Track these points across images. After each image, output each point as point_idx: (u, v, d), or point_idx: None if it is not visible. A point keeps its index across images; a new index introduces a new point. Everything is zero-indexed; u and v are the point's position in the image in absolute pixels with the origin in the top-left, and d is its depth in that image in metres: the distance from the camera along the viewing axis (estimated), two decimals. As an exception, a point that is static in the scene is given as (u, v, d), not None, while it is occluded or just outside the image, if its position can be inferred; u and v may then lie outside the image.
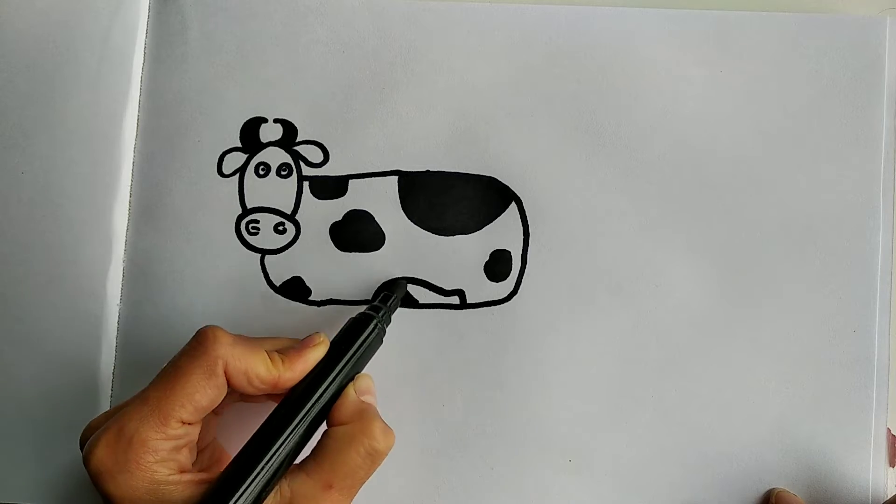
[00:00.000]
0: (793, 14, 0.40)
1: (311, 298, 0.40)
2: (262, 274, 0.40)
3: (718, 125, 0.40)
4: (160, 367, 0.38)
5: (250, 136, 0.41)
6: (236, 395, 0.34)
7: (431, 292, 0.40)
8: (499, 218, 0.40)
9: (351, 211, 0.40)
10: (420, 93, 0.40)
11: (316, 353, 0.34)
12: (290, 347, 0.35)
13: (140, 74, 0.41)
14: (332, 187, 0.40)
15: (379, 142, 0.40)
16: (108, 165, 0.41)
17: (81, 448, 0.33)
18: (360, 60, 0.41)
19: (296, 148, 0.40)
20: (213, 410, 0.33)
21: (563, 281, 0.39)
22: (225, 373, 0.32)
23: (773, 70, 0.40)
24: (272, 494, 0.31)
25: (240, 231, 0.40)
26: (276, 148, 0.40)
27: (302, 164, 0.40)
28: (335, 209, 0.40)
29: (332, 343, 0.35)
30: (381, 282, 0.40)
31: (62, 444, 0.40)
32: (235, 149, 0.40)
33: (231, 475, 0.31)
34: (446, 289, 0.40)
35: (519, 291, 0.39)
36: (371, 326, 0.36)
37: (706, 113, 0.40)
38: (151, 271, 0.40)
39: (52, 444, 0.40)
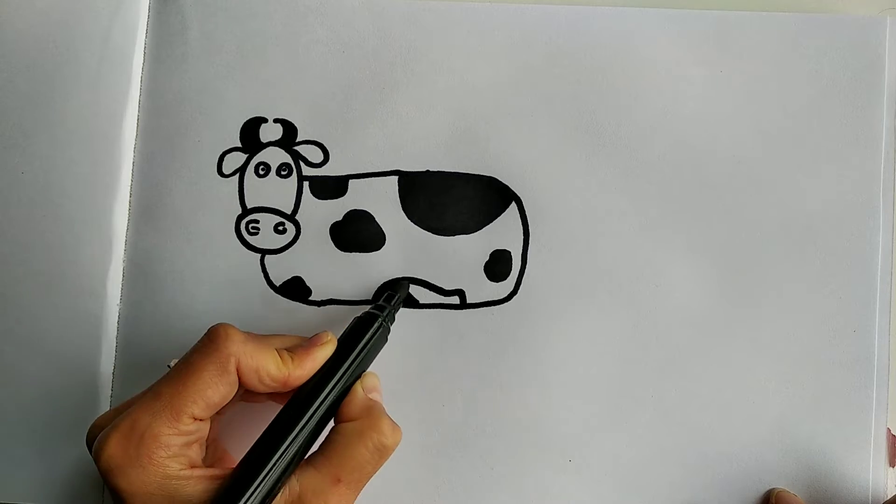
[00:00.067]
0: (793, 14, 0.40)
1: (311, 298, 0.40)
2: (262, 274, 0.40)
3: (718, 125, 0.40)
4: (160, 367, 0.39)
5: (250, 136, 0.41)
6: (239, 394, 0.34)
7: (431, 292, 0.40)
8: (499, 218, 0.40)
9: (351, 211, 0.40)
10: (420, 93, 0.40)
11: (324, 352, 0.35)
12: (298, 345, 0.35)
13: (140, 74, 0.41)
14: (332, 187, 0.40)
15: (379, 142, 0.40)
16: (108, 165, 0.41)
17: (88, 445, 0.33)
18: (360, 60, 0.41)
19: (296, 148, 0.40)
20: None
21: (563, 281, 0.39)
22: (237, 370, 0.32)
23: (773, 70, 0.40)
24: (282, 490, 0.32)
25: (240, 231, 0.40)
26: (276, 148, 0.40)
27: (302, 164, 0.40)
28: (335, 209, 0.40)
29: (339, 342, 0.35)
30: (382, 282, 0.40)
31: (62, 444, 0.40)
32: (235, 149, 0.40)
33: (243, 471, 0.31)
34: (446, 289, 0.40)
35: (519, 291, 0.39)
36: (376, 325, 0.36)
37: (706, 113, 0.40)
38: (151, 271, 0.40)
39: (52, 444, 0.40)
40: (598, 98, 0.40)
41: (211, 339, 0.33)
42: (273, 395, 0.36)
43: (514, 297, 0.39)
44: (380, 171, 0.40)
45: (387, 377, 0.37)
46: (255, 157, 0.40)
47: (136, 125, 0.41)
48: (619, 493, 0.39)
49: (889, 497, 0.38)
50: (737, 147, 0.40)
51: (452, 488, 0.39)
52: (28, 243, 0.40)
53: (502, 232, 0.40)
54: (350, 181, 0.40)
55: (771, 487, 0.38)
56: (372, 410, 0.34)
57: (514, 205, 0.40)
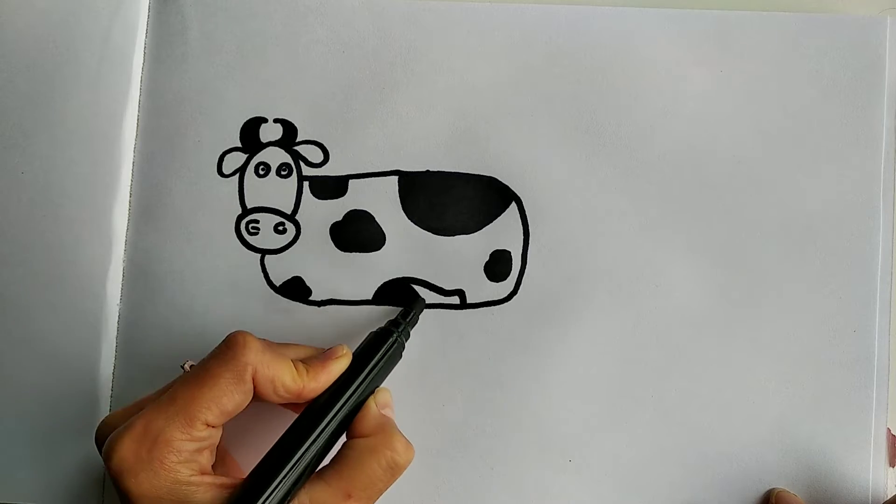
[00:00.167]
0: (793, 14, 0.40)
1: (311, 298, 0.40)
2: (262, 274, 0.40)
3: (718, 125, 0.40)
4: (160, 367, 0.39)
5: (250, 136, 0.41)
6: (252, 402, 0.34)
7: (431, 292, 0.40)
8: (499, 218, 0.40)
9: (351, 211, 0.40)
10: (420, 93, 0.40)
11: (339, 365, 0.35)
12: (313, 357, 0.35)
13: (140, 74, 0.41)
14: (332, 187, 0.40)
15: (379, 142, 0.40)
16: (108, 165, 0.41)
17: (97, 444, 0.33)
18: (360, 60, 0.41)
19: (296, 148, 0.40)
20: None
21: (563, 281, 0.39)
22: (252, 379, 0.32)
23: (773, 70, 0.40)
24: (292, 503, 0.31)
25: (240, 231, 0.40)
26: (276, 148, 0.40)
27: (302, 164, 0.40)
28: (335, 209, 0.40)
29: (354, 356, 0.35)
30: (382, 282, 0.40)
31: (62, 444, 0.40)
32: (235, 149, 0.40)
33: (253, 481, 0.31)
34: (446, 289, 0.40)
35: (519, 291, 0.39)
36: (391, 340, 0.36)
37: (706, 113, 0.40)
38: (151, 271, 0.40)
39: (51, 444, 0.40)
40: (598, 98, 0.40)
41: (229, 347, 0.33)
42: (285, 404, 0.35)
43: (514, 297, 0.39)
44: (380, 171, 0.40)
45: (387, 377, 0.37)
46: (255, 157, 0.40)
47: (136, 125, 0.41)
48: (619, 493, 0.39)
49: (889, 497, 0.38)
50: (737, 147, 0.40)
51: (452, 488, 0.39)
52: (28, 243, 0.40)
53: (502, 232, 0.40)
54: (350, 181, 0.40)
55: (771, 487, 0.38)
56: (385, 427, 0.34)
57: (514, 205, 0.40)
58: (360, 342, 0.36)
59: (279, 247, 0.40)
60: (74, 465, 0.40)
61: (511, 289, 0.40)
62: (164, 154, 0.41)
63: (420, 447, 0.38)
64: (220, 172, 0.40)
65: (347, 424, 0.34)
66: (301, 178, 0.40)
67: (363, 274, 0.40)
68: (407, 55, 0.40)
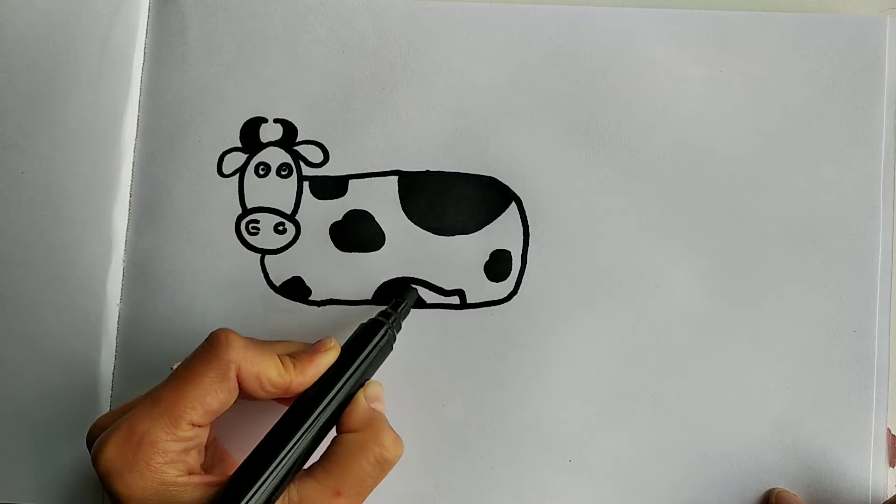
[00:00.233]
0: (793, 14, 0.40)
1: (311, 298, 0.40)
2: (262, 274, 0.40)
3: (718, 125, 0.40)
4: (160, 367, 0.39)
5: (250, 136, 0.41)
6: (239, 398, 0.34)
7: (431, 292, 0.40)
8: (499, 218, 0.40)
9: (351, 211, 0.40)
10: (420, 93, 0.40)
11: (327, 359, 0.34)
12: (301, 352, 0.35)
13: (140, 74, 0.41)
14: (332, 187, 0.40)
15: (379, 142, 0.40)
16: (108, 165, 0.41)
17: (88, 446, 0.33)
18: (360, 60, 0.41)
19: (296, 148, 0.40)
20: None
21: (563, 281, 0.39)
22: (237, 376, 0.32)
23: (773, 70, 0.40)
24: (280, 499, 0.31)
25: (240, 231, 0.40)
26: (276, 148, 0.40)
27: (302, 164, 0.40)
28: (335, 209, 0.40)
29: (343, 348, 0.35)
30: (382, 282, 0.40)
31: (62, 444, 0.40)
32: (235, 149, 0.40)
33: (240, 479, 0.31)
34: (446, 289, 0.40)
35: (519, 291, 0.39)
36: (381, 332, 0.36)
37: (706, 113, 0.40)
38: (151, 271, 0.40)
39: (51, 444, 0.40)
40: (598, 98, 0.40)
41: (211, 345, 0.33)
42: (280, 399, 0.35)
43: (514, 297, 0.39)
44: (380, 171, 0.40)
45: (387, 377, 0.37)
46: (255, 157, 0.40)
47: (136, 125, 0.41)
48: (619, 493, 0.39)
49: (889, 497, 0.38)
50: (737, 147, 0.40)
51: (452, 488, 0.39)
52: (28, 243, 0.40)
53: (502, 232, 0.40)
54: (350, 181, 0.40)
55: (771, 487, 0.38)
56: (374, 422, 0.34)
57: (514, 205, 0.40)
58: (350, 328, 0.36)
59: (279, 247, 0.40)
60: (74, 465, 0.40)
61: (511, 289, 0.40)
62: (164, 154, 0.41)
63: (420, 447, 0.38)
64: (220, 172, 0.40)
65: (337, 419, 0.34)
66: (301, 178, 0.40)
67: (363, 274, 0.40)
68: (407, 55, 0.40)
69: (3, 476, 0.40)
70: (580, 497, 0.39)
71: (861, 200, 0.39)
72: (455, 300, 0.40)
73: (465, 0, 0.41)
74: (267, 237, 0.40)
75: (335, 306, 0.40)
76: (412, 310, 0.39)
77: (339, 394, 0.34)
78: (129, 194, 0.41)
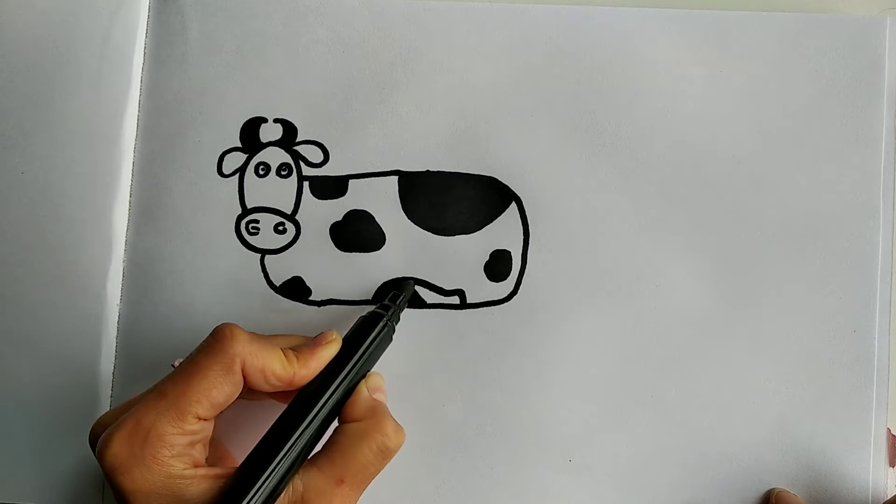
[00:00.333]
0: (793, 14, 0.40)
1: (311, 298, 0.40)
2: (262, 274, 0.40)
3: (718, 125, 0.40)
4: (160, 366, 0.39)
5: (250, 136, 0.41)
6: (242, 393, 0.34)
7: (431, 292, 0.40)
8: (499, 218, 0.40)
9: (351, 211, 0.40)
10: (420, 93, 0.40)
11: (329, 351, 0.35)
12: (303, 345, 0.35)
13: (140, 74, 0.41)
14: (332, 187, 0.40)
15: (379, 142, 0.40)
16: (108, 165, 0.41)
17: (91, 444, 0.33)
18: (360, 60, 0.41)
19: (296, 148, 0.40)
20: None
21: (563, 281, 0.39)
22: (242, 370, 0.32)
23: (773, 70, 0.40)
24: (285, 489, 0.32)
25: (240, 231, 0.40)
26: (276, 148, 0.40)
27: (302, 164, 0.40)
28: (335, 209, 0.40)
29: (343, 341, 0.35)
30: (382, 282, 0.40)
31: (62, 444, 0.40)
32: (235, 149, 0.40)
33: (247, 470, 0.31)
34: (446, 289, 0.40)
35: (519, 291, 0.39)
36: (381, 324, 0.36)
37: (706, 113, 0.40)
38: (151, 271, 0.40)
39: (52, 444, 0.40)
40: (598, 98, 0.40)
41: (216, 339, 0.33)
42: (275, 395, 0.35)
43: (514, 297, 0.39)
44: (380, 171, 0.40)
45: (387, 377, 0.37)
46: (255, 157, 0.40)
47: (136, 125, 0.41)
48: (619, 493, 0.39)
49: (889, 497, 0.38)
50: (737, 147, 0.40)
51: (452, 488, 0.39)
52: (28, 243, 0.40)
53: (502, 232, 0.40)
54: (350, 181, 0.40)
55: (771, 487, 0.38)
56: (376, 411, 0.34)
57: (514, 205, 0.40)
58: (350, 326, 0.36)
59: (279, 247, 0.40)
60: (74, 464, 0.40)
61: (511, 289, 0.40)
62: (164, 154, 0.41)
63: (420, 447, 0.38)
64: (220, 172, 0.40)
65: (339, 410, 0.34)
66: (301, 178, 0.40)
67: (363, 274, 0.40)
68: (407, 55, 0.40)
69: (4, 476, 0.40)
70: (580, 497, 0.39)
71: (861, 200, 0.39)
72: (455, 300, 0.40)
73: (465, 0, 0.41)
74: (267, 237, 0.40)
75: (335, 306, 0.40)
76: (413, 310, 0.39)
77: (342, 385, 0.34)
78: (129, 194, 0.41)
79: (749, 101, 0.40)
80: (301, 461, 0.32)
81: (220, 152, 0.40)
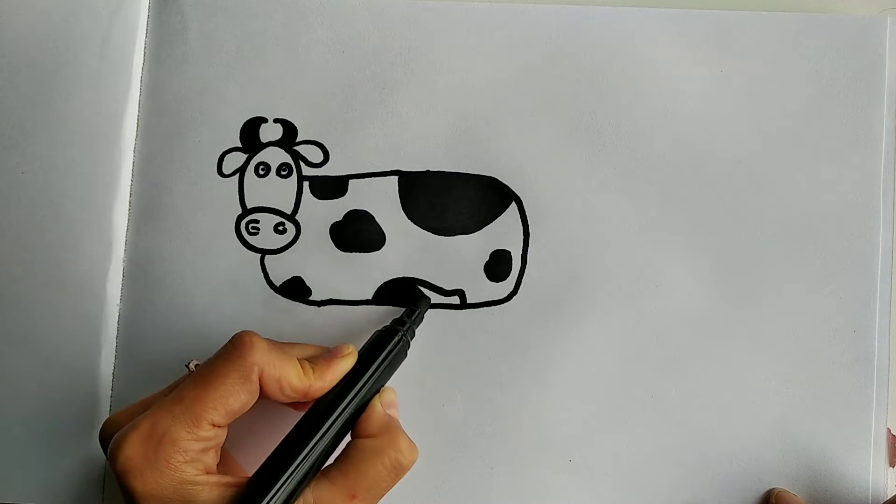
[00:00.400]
0: (793, 14, 0.40)
1: (311, 298, 0.40)
2: (262, 274, 0.40)
3: (718, 125, 0.40)
4: (160, 367, 0.39)
5: (250, 136, 0.41)
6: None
7: (431, 292, 0.40)
8: (499, 218, 0.40)
9: (351, 211, 0.40)
10: (420, 93, 0.40)
11: (345, 364, 0.35)
12: (319, 356, 0.35)
13: (140, 74, 0.41)
14: (332, 187, 0.40)
15: (379, 142, 0.40)
16: (108, 165, 0.41)
17: (101, 443, 0.33)
18: (360, 60, 0.41)
19: (296, 148, 0.40)
20: None
21: (563, 281, 0.39)
22: (259, 379, 0.32)
23: (773, 70, 0.40)
24: (296, 501, 0.31)
25: (240, 231, 0.40)
26: (276, 148, 0.40)
27: (302, 164, 0.40)
28: (335, 209, 0.40)
29: (359, 354, 0.35)
30: (382, 282, 0.40)
31: (62, 444, 0.40)
32: (235, 149, 0.40)
33: (259, 480, 0.31)
34: (446, 289, 0.40)
35: (519, 291, 0.39)
36: (396, 339, 0.36)
37: (706, 113, 0.40)
38: (151, 271, 0.40)
39: (52, 444, 0.40)
40: (598, 98, 0.40)
41: (235, 347, 0.33)
42: (290, 404, 0.35)
43: (514, 297, 0.39)
44: (380, 171, 0.40)
45: (391, 377, 0.37)
46: (255, 157, 0.40)
47: (136, 125, 0.41)
48: (619, 493, 0.39)
49: (889, 497, 0.38)
50: (737, 147, 0.40)
51: (452, 488, 0.39)
52: (28, 243, 0.40)
53: (502, 232, 0.40)
54: (350, 181, 0.40)
55: (771, 487, 0.38)
56: (390, 427, 0.34)
57: (514, 205, 0.40)
58: (365, 341, 0.36)
59: (279, 247, 0.40)
60: (74, 465, 0.40)
61: (511, 289, 0.40)
62: (164, 154, 0.41)
63: (420, 447, 0.38)
64: (220, 172, 0.40)
65: (353, 423, 0.34)
66: (301, 178, 0.40)
67: (363, 274, 0.40)
68: (407, 55, 0.40)
69: (4, 476, 0.40)
70: (580, 497, 0.39)
71: (861, 200, 0.39)
72: (455, 300, 0.40)
73: (465, 0, 0.41)
74: (267, 237, 0.40)
75: (335, 306, 0.40)
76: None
77: (356, 399, 0.34)
78: (129, 194, 0.41)
79: (749, 101, 0.40)
80: (313, 474, 0.32)
81: (220, 152, 0.40)
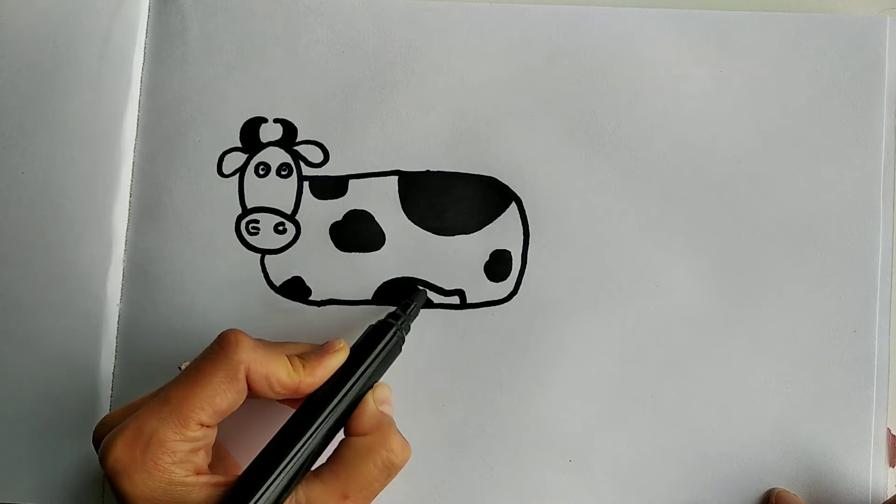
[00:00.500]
0: (793, 14, 0.40)
1: (311, 298, 0.40)
2: (262, 274, 0.40)
3: (718, 125, 0.40)
4: (161, 367, 0.39)
5: (250, 136, 0.41)
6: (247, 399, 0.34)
7: (431, 292, 0.40)
8: (499, 218, 0.40)
9: (351, 211, 0.40)
10: (420, 93, 0.40)
11: (336, 360, 0.34)
12: (310, 353, 0.35)
13: (140, 74, 0.41)
14: (332, 187, 0.40)
15: (379, 142, 0.40)
16: (108, 165, 0.41)
17: (95, 445, 0.33)
18: (360, 60, 0.41)
19: (296, 148, 0.40)
20: None
21: (563, 281, 0.39)
22: (246, 377, 0.32)
23: (773, 70, 0.40)
24: (288, 501, 0.31)
25: (240, 231, 0.40)
26: (276, 148, 0.40)
27: (302, 164, 0.40)
28: (335, 209, 0.40)
29: (352, 350, 0.35)
30: (382, 282, 0.40)
31: (62, 444, 0.40)
32: (235, 149, 0.40)
33: (248, 479, 0.31)
34: (446, 289, 0.40)
35: (519, 291, 0.39)
36: (390, 334, 0.36)
37: (706, 113, 0.40)
38: (151, 271, 0.40)
39: (52, 444, 0.40)
40: (598, 98, 0.40)
41: (221, 346, 0.32)
42: (282, 400, 0.35)
43: (514, 297, 0.39)
44: (380, 171, 0.40)
45: (387, 377, 0.37)
46: (255, 157, 0.40)
47: (136, 125, 0.41)
48: (619, 493, 0.39)
49: (889, 497, 0.38)
50: (737, 147, 0.40)
51: (452, 488, 0.39)
52: (28, 243, 0.40)
53: (502, 232, 0.40)
54: (350, 181, 0.40)
55: (771, 487, 0.38)
56: (382, 425, 0.34)
57: (514, 205, 0.40)
58: (359, 332, 0.36)
59: (279, 247, 0.40)
60: (74, 465, 0.40)
61: (511, 289, 0.40)
62: (164, 154, 0.41)
63: (420, 447, 0.38)
64: (220, 172, 0.40)
65: (345, 421, 0.34)
66: (301, 178, 0.40)
67: (363, 274, 0.40)
68: (407, 55, 0.40)
69: (4, 476, 0.40)
70: (580, 497, 0.39)
71: (861, 200, 0.39)
72: (455, 300, 0.40)
73: (465, 0, 0.41)
74: (267, 237, 0.40)
75: (335, 306, 0.40)
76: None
77: (348, 395, 0.34)
78: (129, 194, 0.41)
79: (749, 101, 0.40)
80: (304, 472, 0.32)
81: (220, 152, 0.40)
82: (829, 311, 0.39)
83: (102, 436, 0.32)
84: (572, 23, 0.40)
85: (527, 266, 0.40)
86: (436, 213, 0.40)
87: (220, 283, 0.40)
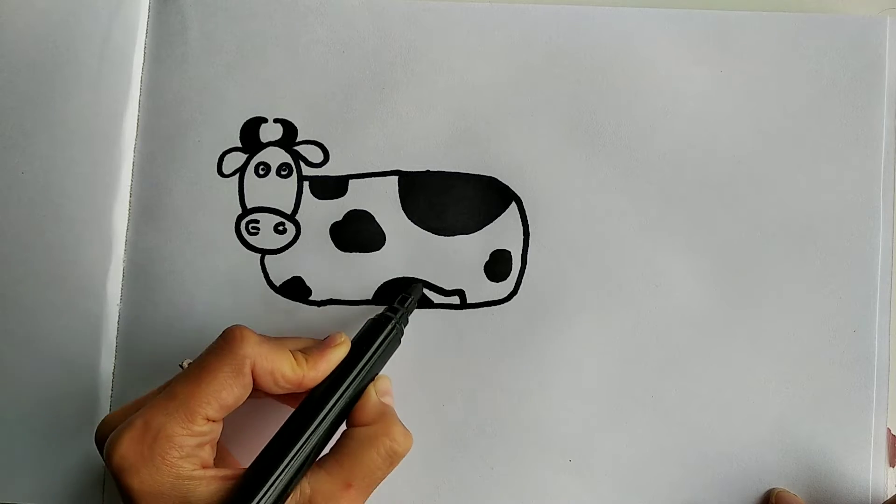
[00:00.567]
0: (793, 14, 0.40)
1: (311, 298, 0.40)
2: (262, 274, 0.40)
3: (718, 125, 0.40)
4: (161, 367, 0.39)
5: (250, 136, 0.41)
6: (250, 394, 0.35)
7: (432, 292, 0.40)
8: (499, 218, 0.40)
9: (351, 211, 0.40)
10: (420, 93, 0.40)
11: (338, 353, 0.35)
12: (312, 347, 0.35)
13: (140, 74, 0.41)
14: (332, 187, 0.40)
15: (379, 142, 0.40)
16: (108, 165, 0.41)
17: (97, 443, 0.33)
18: (360, 60, 0.41)
19: (296, 148, 0.40)
20: None
21: (563, 281, 0.39)
22: (251, 372, 0.33)
23: (773, 70, 0.40)
24: (293, 492, 0.32)
25: (240, 231, 0.40)
26: (276, 148, 0.40)
27: (302, 164, 0.40)
28: (335, 209, 0.40)
29: (352, 343, 0.35)
30: (382, 282, 0.40)
31: (62, 444, 0.40)
32: (235, 149, 0.40)
33: (255, 472, 0.31)
34: (446, 289, 0.40)
35: (519, 291, 0.39)
36: (390, 327, 0.36)
37: (706, 113, 0.40)
38: (151, 271, 0.40)
39: (52, 444, 0.40)
40: (598, 98, 0.40)
41: (226, 341, 0.33)
42: (283, 397, 0.36)
43: (514, 297, 0.39)
44: (380, 171, 0.40)
45: (388, 375, 0.37)
46: (255, 157, 0.40)
47: (136, 125, 0.41)
48: (619, 493, 0.39)
49: (889, 497, 0.38)
50: (737, 147, 0.40)
51: (452, 488, 0.39)
52: (28, 243, 0.40)
53: (502, 232, 0.40)
54: (350, 181, 0.40)
55: (771, 487, 0.38)
56: (384, 415, 0.34)
57: (514, 205, 0.40)
58: (359, 329, 0.36)
59: (279, 247, 0.40)
60: (75, 465, 0.40)
61: (511, 289, 0.40)
62: (164, 154, 0.41)
63: (420, 447, 0.38)
64: (220, 172, 0.40)
65: (348, 412, 0.34)
66: (301, 178, 0.40)
67: (363, 274, 0.40)
68: (407, 55, 0.40)
69: (4, 476, 0.40)
70: (580, 497, 0.39)
71: (861, 200, 0.39)
72: (455, 300, 0.40)
73: (465, 0, 0.41)
74: (267, 237, 0.40)
75: (335, 306, 0.40)
76: (414, 310, 0.39)
77: (351, 388, 0.34)
78: (129, 194, 0.41)
79: (749, 101, 0.40)
80: (309, 464, 0.32)
81: (220, 152, 0.40)
82: (829, 311, 0.39)
83: (105, 435, 0.32)
84: (572, 23, 0.40)
85: (527, 266, 0.40)
86: (436, 213, 0.40)
87: (220, 283, 0.40)
